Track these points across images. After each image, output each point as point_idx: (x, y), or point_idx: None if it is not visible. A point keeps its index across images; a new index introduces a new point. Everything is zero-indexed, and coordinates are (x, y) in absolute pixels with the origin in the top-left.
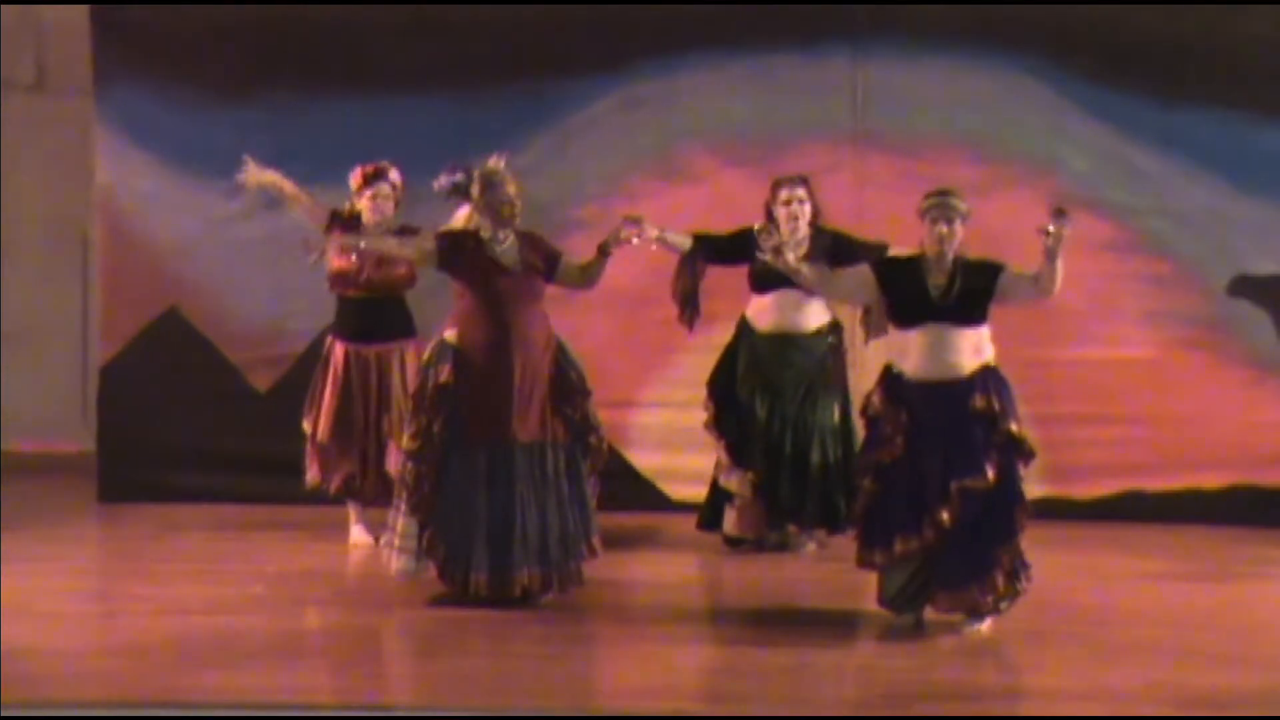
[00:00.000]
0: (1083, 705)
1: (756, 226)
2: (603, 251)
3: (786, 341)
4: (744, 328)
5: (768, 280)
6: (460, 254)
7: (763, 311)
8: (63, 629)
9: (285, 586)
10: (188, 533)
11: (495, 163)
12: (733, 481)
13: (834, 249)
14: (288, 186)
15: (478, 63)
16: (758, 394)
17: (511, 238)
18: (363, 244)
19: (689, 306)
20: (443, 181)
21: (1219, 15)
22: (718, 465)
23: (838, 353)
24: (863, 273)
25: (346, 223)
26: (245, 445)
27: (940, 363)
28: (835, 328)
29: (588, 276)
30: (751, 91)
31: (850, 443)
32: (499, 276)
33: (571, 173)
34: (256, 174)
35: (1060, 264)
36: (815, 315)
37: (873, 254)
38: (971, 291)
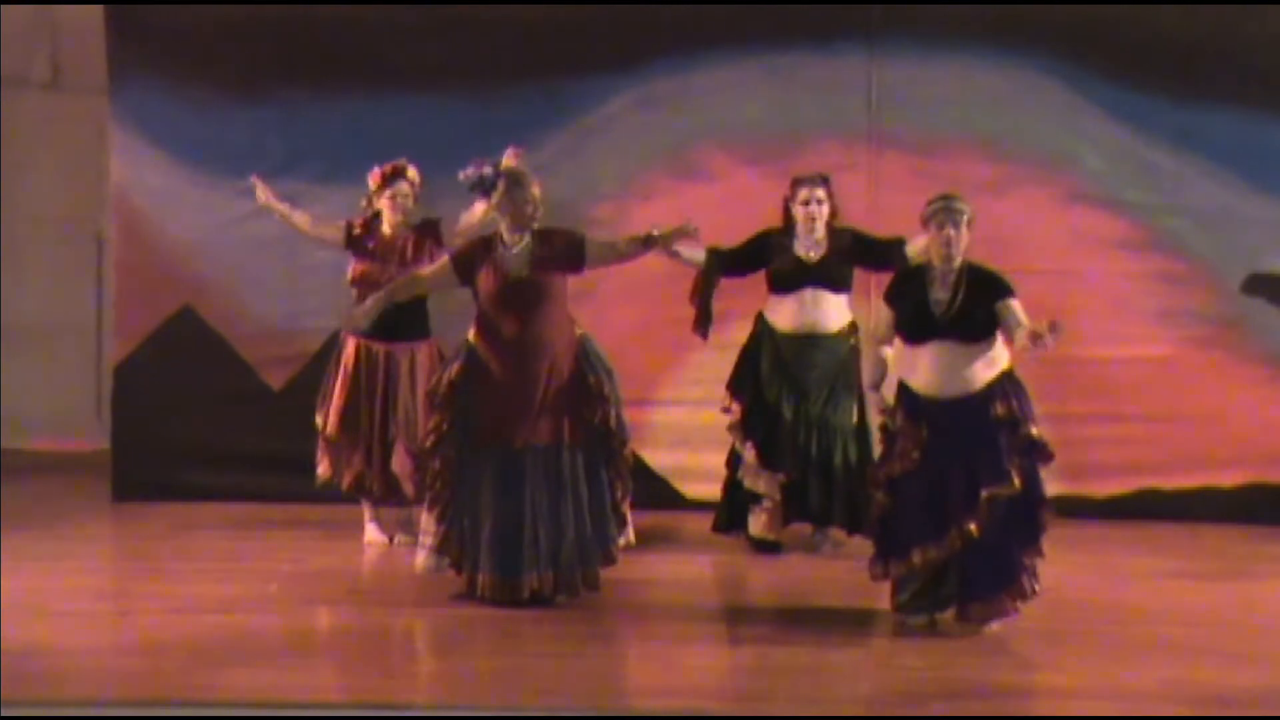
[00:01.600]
0: (1098, 704)
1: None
2: (647, 243)
3: (809, 342)
4: (764, 327)
5: (788, 281)
6: (472, 265)
7: (783, 312)
8: (77, 627)
9: (299, 585)
10: (202, 531)
11: (517, 160)
12: (761, 484)
13: (854, 248)
14: (296, 217)
15: (492, 61)
16: (783, 395)
17: (525, 240)
18: (375, 307)
19: (705, 318)
20: (469, 173)
21: (1235, 14)
22: (742, 467)
23: (856, 353)
24: (884, 312)
25: (362, 233)
26: (259, 443)
27: (949, 381)
28: (854, 328)
29: (619, 254)
30: (766, 90)
31: (866, 443)
32: (506, 283)
33: (587, 171)
34: (265, 196)
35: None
36: (836, 315)
37: (891, 252)
38: (974, 308)
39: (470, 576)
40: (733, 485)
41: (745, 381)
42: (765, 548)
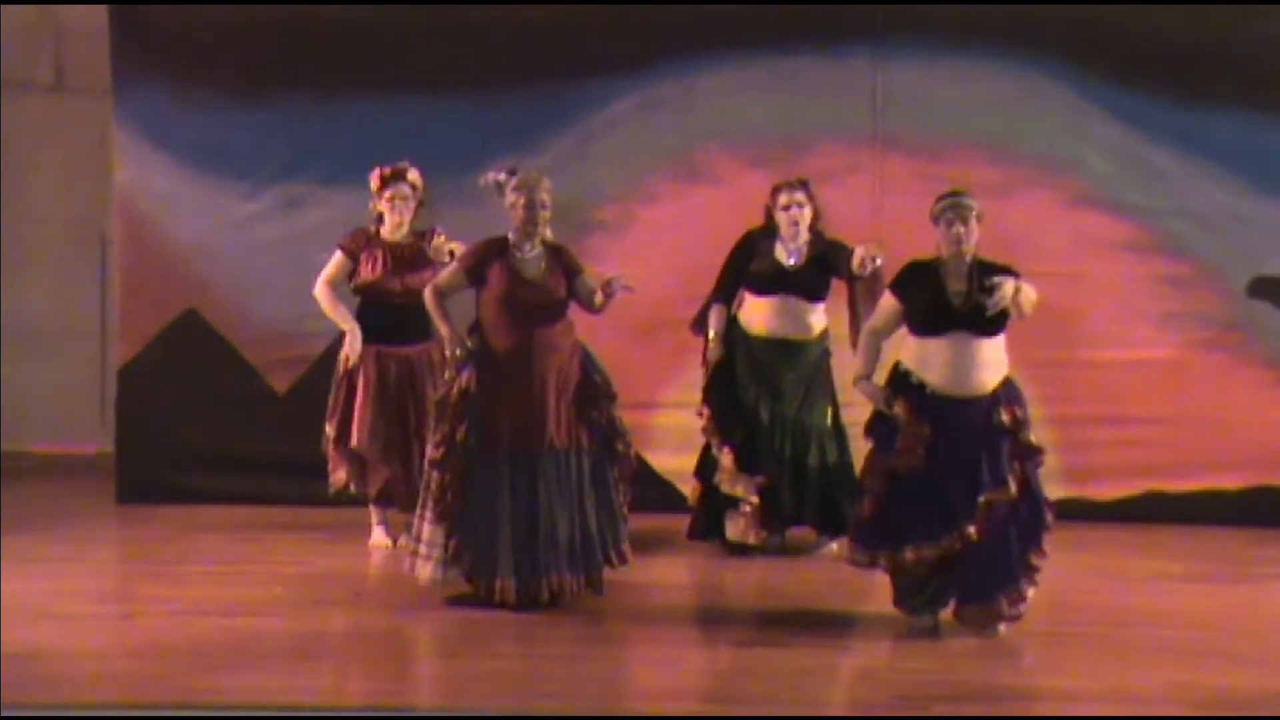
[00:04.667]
0: (1100, 706)
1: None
2: (605, 294)
3: (782, 346)
4: (736, 332)
5: (765, 285)
6: (486, 264)
7: (758, 315)
8: (80, 630)
9: (304, 588)
10: (206, 534)
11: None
12: (739, 487)
13: (827, 252)
14: (338, 313)
15: (496, 64)
16: (760, 397)
17: (538, 247)
18: (450, 338)
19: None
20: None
21: (1238, 16)
22: (719, 472)
23: (828, 356)
24: (887, 303)
25: (361, 244)
26: (264, 446)
27: (965, 377)
28: (825, 333)
29: (592, 304)
30: (771, 93)
31: (844, 444)
32: (521, 286)
33: (591, 174)
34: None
35: (1024, 295)
36: (810, 323)
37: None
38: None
39: (489, 584)
40: (708, 492)
41: (719, 387)
42: (742, 552)
